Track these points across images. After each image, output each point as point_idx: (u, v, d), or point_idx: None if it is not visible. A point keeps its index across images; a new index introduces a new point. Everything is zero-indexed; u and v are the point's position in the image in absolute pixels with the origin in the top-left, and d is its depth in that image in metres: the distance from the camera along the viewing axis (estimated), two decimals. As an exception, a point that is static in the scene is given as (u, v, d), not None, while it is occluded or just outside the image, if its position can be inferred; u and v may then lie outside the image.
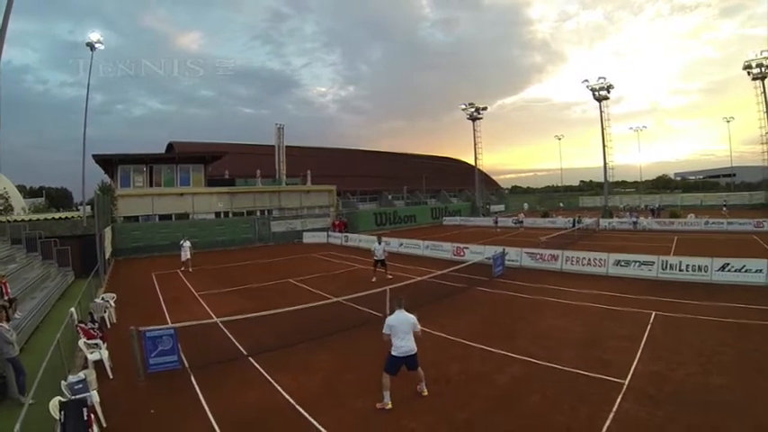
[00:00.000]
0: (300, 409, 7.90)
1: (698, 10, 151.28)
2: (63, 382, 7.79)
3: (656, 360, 9.52)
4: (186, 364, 10.32)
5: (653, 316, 12.66)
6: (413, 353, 8.14)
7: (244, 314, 11.95)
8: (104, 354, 10.26)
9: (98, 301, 15.14)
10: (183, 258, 25.60)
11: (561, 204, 73.26)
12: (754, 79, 47.78)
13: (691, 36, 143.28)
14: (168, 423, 7.73)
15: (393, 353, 8.12)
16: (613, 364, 9.36)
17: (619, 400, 7.67)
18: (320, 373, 9.67)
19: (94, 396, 7.68)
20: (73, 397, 7.18)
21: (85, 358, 10.12)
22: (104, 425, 7.50)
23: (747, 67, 47.99)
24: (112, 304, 15.48)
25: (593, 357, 9.79)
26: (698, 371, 8.88)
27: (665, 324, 12.02)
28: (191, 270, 25.14)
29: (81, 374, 8.23)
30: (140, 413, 8.14)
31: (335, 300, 13.93)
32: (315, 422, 7.39)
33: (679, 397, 7.75)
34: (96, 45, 35.00)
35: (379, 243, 21.02)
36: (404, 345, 8.07)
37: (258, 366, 10.13)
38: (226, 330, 12.36)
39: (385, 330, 8.25)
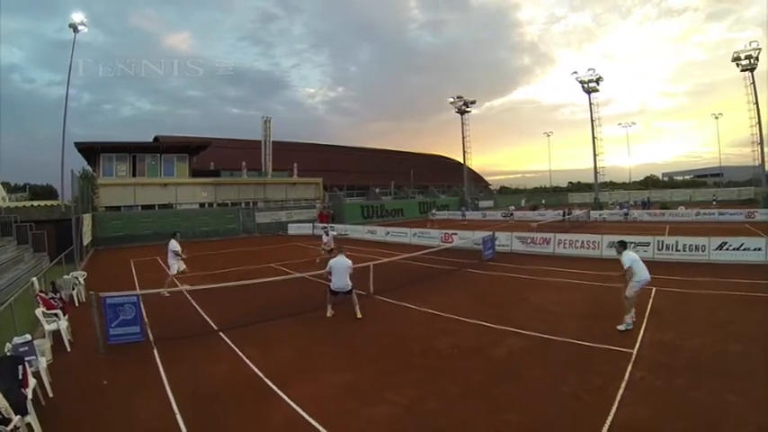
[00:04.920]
0: (269, 383, 7.05)
1: (685, 14, 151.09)
2: (8, 344, 7.13)
3: (665, 330, 8.85)
4: (150, 337, 9.47)
5: (654, 291, 11.88)
6: (347, 289, 10.73)
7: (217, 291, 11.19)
8: (63, 325, 9.44)
9: (66, 277, 14.22)
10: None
11: (543, 201, 71.65)
12: (743, 71, 47.45)
13: (678, 39, 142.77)
14: (120, 395, 6.88)
15: (332, 287, 10.81)
16: (618, 334, 8.64)
17: (629, 369, 6.95)
18: (294, 347, 8.82)
19: (41, 362, 7.09)
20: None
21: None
22: (51, 395, 6.86)
23: (736, 59, 47.69)
24: (81, 282, 14.54)
25: (595, 329, 9.04)
26: (711, 339, 8.23)
27: (668, 298, 11.32)
28: None
29: (27, 336, 7.46)
30: (92, 385, 7.32)
31: (308, 275, 13.34)
32: (284, 396, 6.54)
33: (696, 365, 7.06)
34: (80, 27, 34.10)
35: (327, 234, 20.48)
36: (339, 282, 10.67)
37: (228, 340, 9.27)
38: (196, 305, 11.53)
39: (327, 269, 11.00)
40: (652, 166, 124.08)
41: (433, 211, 45.87)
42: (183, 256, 15.06)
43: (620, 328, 8.92)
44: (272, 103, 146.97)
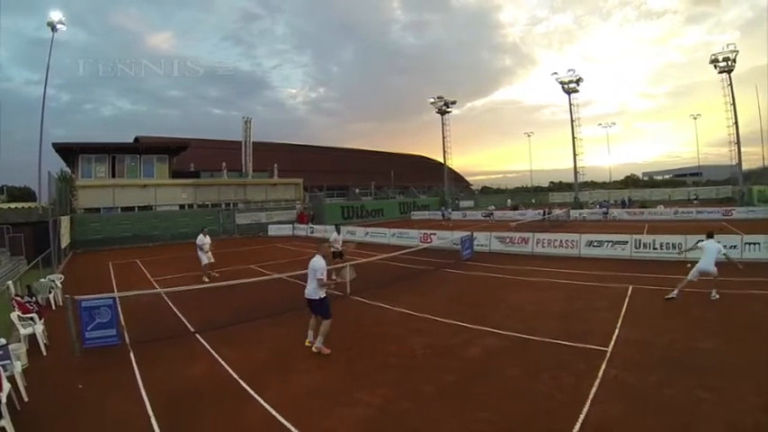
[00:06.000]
0: (243, 384, 7.02)
1: (665, 17, 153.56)
2: (-19, 349, 7.01)
3: (640, 328, 8.93)
4: (127, 340, 9.37)
5: (630, 289, 12.10)
6: (309, 297, 8.34)
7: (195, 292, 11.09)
8: (39, 329, 9.33)
9: (43, 280, 14.00)
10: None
11: (534, 201, 72.66)
12: (720, 72, 48.19)
13: (658, 42, 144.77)
14: (95, 398, 6.82)
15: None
16: (594, 333, 8.69)
17: (603, 366, 7.00)
18: (270, 348, 8.78)
19: (16, 366, 7.02)
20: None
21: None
22: (26, 399, 6.82)
23: (714, 61, 48.42)
24: (59, 285, 14.31)
25: (571, 328, 9.09)
26: (685, 337, 8.32)
27: (645, 296, 11.47)
28: None
29: (2, 340, 7.32)
30: (67, 389, 7.23)
31: (286, 275, 13.19)
32: (258, 397, 6.51)
33: (669, 362, 7.13)
34: (58, 26, 33.54)
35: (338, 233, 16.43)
36: (307, 287, 8.40)
37: (204, 342, 9.19)
38: (174, 307, 11.43)
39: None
40: (632, 166, 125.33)
41: (449, 210, 45.88)
42: (207, 250, 16.76)
43: (666, 297, 10.78)
44: (253, 104, 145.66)
